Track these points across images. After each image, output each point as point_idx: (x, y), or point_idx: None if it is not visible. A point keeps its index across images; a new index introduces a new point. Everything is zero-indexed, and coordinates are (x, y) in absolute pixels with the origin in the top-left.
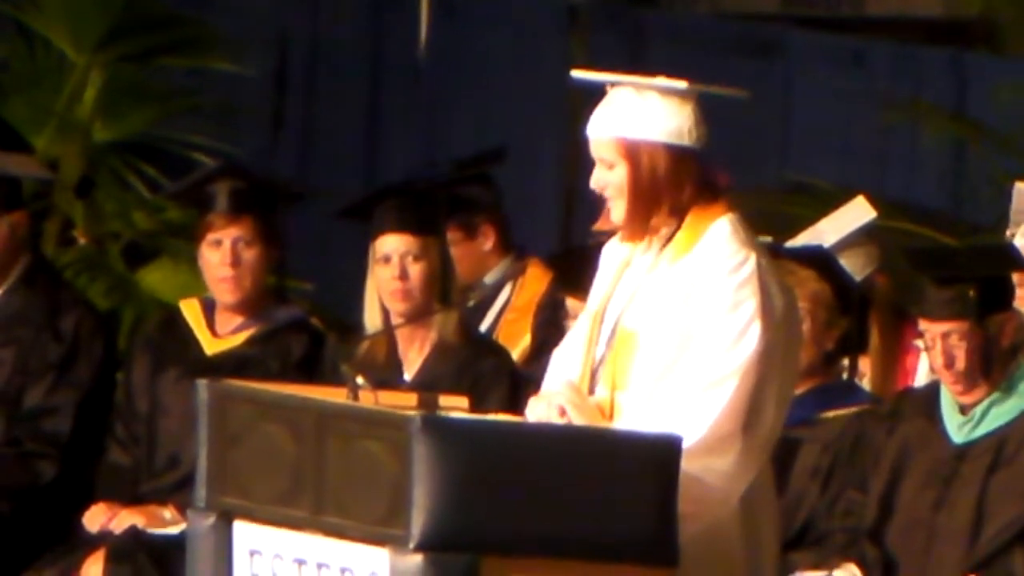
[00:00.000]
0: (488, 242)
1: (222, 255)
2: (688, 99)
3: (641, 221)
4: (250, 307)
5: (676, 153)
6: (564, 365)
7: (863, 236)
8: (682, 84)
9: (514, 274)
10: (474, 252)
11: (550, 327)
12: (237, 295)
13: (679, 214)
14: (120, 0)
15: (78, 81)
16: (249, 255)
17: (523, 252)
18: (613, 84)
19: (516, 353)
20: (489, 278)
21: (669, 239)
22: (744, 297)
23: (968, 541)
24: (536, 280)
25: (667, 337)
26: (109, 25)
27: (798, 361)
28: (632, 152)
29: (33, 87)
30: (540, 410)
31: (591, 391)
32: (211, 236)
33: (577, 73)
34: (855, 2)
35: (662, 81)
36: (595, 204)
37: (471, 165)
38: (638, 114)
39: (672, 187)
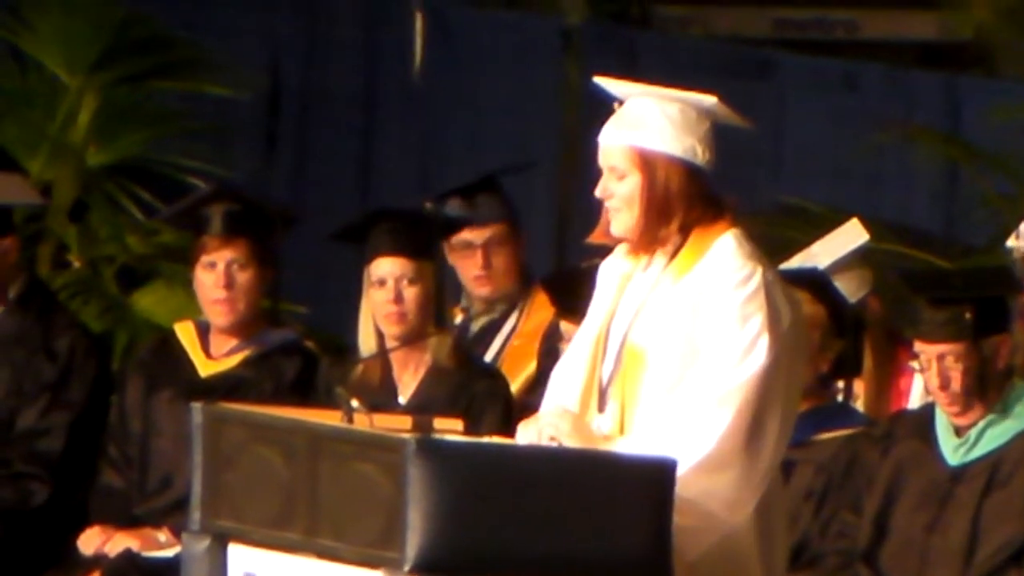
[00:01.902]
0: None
1: (216, 277)
2: (706, 118)
3: (649, 233)
4: (244, 329)
5: (689, 171)
6: (564, 384)
7: (857, 259)
8: (711, 99)
9: (521, 299)
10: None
11: (552, 355)
12: (231, 317)
13: (685, 231)
14: (113, 23)
15: (72, 104)
16: (243, 277)
17: (530, 278)
18: (632, 94)
19: (520, 380)
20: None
21: (673, 255)
22: (751, 311)
23: (962, 563)
24: (543, 307)
25: (675, 353)
26: (102, 48)
27: (803, 374)
28: (647, 163)
29: (26, 110)
30: (530, 435)
31: (600, 409)
32: (205, 258)
33: (600, 80)
34: (848, 25)
35: (689, 95)
36: (591, 221)
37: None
38: (658, 126)
39: (683, 205)
